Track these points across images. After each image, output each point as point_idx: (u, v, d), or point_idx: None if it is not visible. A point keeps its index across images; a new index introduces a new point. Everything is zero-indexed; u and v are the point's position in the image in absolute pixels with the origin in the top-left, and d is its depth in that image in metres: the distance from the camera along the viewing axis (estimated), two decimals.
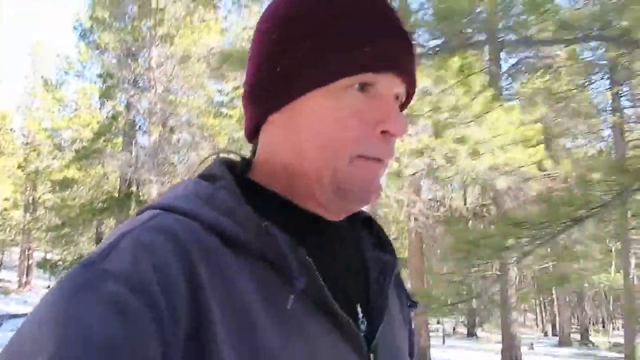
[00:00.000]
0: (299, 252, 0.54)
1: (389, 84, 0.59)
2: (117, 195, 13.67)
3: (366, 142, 0.58)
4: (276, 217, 0.56)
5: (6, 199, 23.30)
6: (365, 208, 0.66)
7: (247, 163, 0.66)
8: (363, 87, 0.58)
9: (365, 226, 0.72)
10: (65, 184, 14.69)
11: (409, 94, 0.64)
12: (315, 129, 0.58)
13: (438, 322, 23.15)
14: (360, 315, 0.61)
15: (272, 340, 0.50)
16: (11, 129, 23.98)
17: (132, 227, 0.50)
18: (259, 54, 0.62)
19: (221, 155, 0.67)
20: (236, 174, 0.61)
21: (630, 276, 13.71)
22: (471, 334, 25.34)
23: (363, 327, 0.61)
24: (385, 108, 0.58)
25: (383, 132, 0.58)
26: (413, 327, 0.77)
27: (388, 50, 0.58)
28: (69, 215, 13.73)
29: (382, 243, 0.71)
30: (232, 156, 0.68)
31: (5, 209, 23.64)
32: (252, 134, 0.66)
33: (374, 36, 0.57)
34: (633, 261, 14.35)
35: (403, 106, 0.65)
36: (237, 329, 0.49)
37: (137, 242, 0.48)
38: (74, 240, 14.31)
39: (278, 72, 0.59)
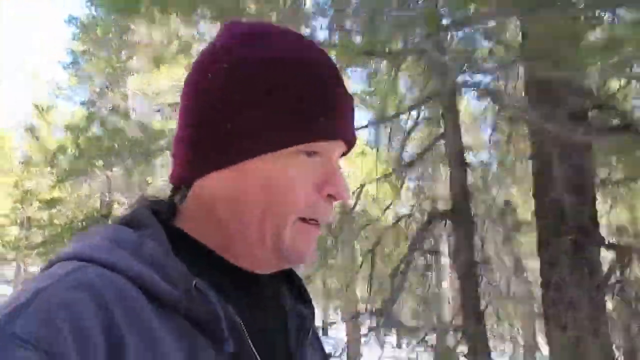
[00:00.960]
0: (229, 312, 0.52)
1: (335, 149, 0.62)
2: (95, 215, 14.39)
3: (312, 206, 0.60)
4: (204, 271, 0.55)
5: (5, 216, 24.16)
6: None
7: (172, 209, 0.64)
8: (310, 153, 0.60)
9: (285, 278, 0.72)
10: (52, 203, 15.45)
11: (346, 153, 0.66)
12: (261, 192, 0.58)
13: None
14: None
15: None
16: (11, 148, 25.00)
17: (49, 282, 0.46)
18: (209, 106, 0.60)
19: (144, 199, 0.64)
20: (161, 220, 0.59)
21: None
22: None
23: None
24: (330, 172, 0.61)
25: (328, 195, 0.61)
26: None
27: (337, 118, 0.61)
28: (52, 233, 14.44)
29: (302, 295, 0.72)
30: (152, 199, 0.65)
31: (2, 225, 24.48)
32: (182, 181, 0.64)
33: (325, 106, 0.59)
34: None
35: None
36: None
37: (54, 301, 0.44)
38: None
39: (230, 130, 0.58)
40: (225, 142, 0.59)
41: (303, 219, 0.60)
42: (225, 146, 0.59)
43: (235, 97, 0.58)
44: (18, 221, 24.26)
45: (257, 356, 0.54)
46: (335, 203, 0.63)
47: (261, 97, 0.58)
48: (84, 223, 15.19)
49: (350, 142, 0.64)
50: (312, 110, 0.59)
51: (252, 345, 0.54)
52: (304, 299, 0.71)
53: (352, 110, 0.64)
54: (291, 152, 0.59)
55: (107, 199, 13.60)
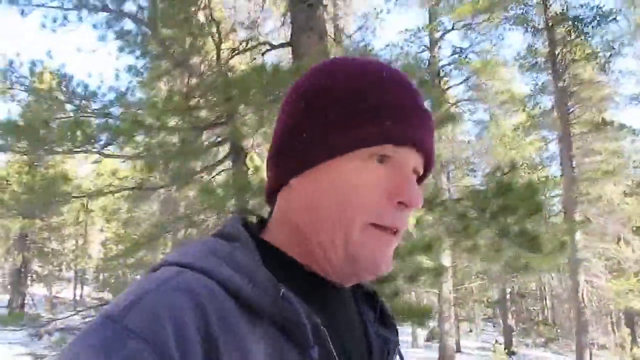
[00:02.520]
0: (314, 320, 0.54)
1: (408, 157, 0.61)
2: None
3: (381, 211, 0.59)
4: (291, 281, 0.56)
5: None
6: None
7: (261, 223, 0.68)
8: (382, 158, 0.60)
9: (368, 299, 0.73)
10: None
11: (427, 169, 0.66)
12: (332, 195, 0.59)
13: None
14: None
15: None
16: None
17: (155, 285, 0.50)
18: (287, 119, 0.64)
19: (237, 214, 0.67)
20: (251, 234, 0.62)
21: None
22: None
23: None
24: (402, 180, 0.60)
25: (399, 203, 0.60)
26: None
27: (409, 125, 0.60)
28: None
29: (384, 318, 0.72)
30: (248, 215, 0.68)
31: None
32: (271, 196, 0.67)
33: (396, 111, 0.60)
34: None
35: (420, 180, 0.66)
36: None
37: (160, 301, 0.48)
38: None
39: (303, 137, 0.60)
40: (298, 150, 0.61)
41: (375, 225, 0.59)
42: (298, 153, 0.61)
43: (307, 107, 0.61)
44: None
45: None
46: (409, 212, 0.62)
47: (331, 103, 0.60)
48: None
49: (425, 152, 0.63)
50: (382, 114, 0.59)
51: (335, 353, 0.55)
52: (386, 322, 0.72)
53: (428, 122, 0.63)
54: (362, 157, 0.59)
55: None
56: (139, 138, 4.63)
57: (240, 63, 6.06)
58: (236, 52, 5.55)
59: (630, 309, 16.38)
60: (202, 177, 5.18)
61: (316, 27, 5.19)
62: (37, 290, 23.32)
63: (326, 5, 5.20)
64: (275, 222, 0.65)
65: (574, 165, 16.00)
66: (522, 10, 16.42)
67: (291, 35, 5.20)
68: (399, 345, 0.70)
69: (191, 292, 0.50)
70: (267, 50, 5.81)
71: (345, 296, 0.66)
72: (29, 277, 21.79)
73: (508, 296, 24.04)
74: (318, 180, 0.60)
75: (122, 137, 4.42)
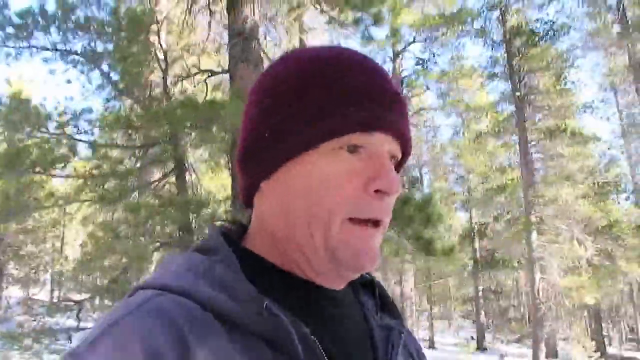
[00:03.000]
0: (303, 331, 0.51)
1: (380, 143, 0.57)
2: None
3: (357, 203, 0.55)
4: (276, 291, 0.54)
5: None
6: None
7: (243, 230, 0.65)
8: (353, 148, 0.56)
9: (368, 289, 0.70)
10: None
11: (405, 154, 0.62)
12: (303, 196, 0.55)
13: None
14: None
15: None
16: None
17: (124, 312, 0.48)
18: (248, 122, 0.61)
19: (217, 223, 0.65)
20: (231, 243, 0.59)
21: None
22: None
23: None
24: (376, 167, 0.56)
25: (376, 191, 0.56)
26: None
27: (376, 109, 0.56)
28: None
29: (387, 307, 0.69)
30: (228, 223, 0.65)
31: None
32: (247, 202, 0.64)
33: (360, 95, 0.56)
34: None
35: (399, 165, 0.63)
36: None
37: (128, 329, 0.46)
38: None
39: (265, 138, 0.57)
40: (262, 153, 0.58)
41: (355, 220, 0.56)
42: (263, 156, 0.58)
43: (267, 107, 0.58)
44: None
45: None
46: (390, 200, 0.58)
47: (291, 98, 0.57)
48: None
49: (398, 135, 0.59)
50: (345, 101, 0.55)
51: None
52: (389, 310, 0.68)
53: (399, 104, 0.59)
54: (329, 150, 0.56)
55: None
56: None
57: (190, 85, 6.72)
58: (182, 78, 6.22)
59: (586, 304, 17.28)
60: (150, 189, 5.80)
61: (251, 58, 5.87)
62: (13, 292, 23.48)
63: (258, 39, 5.89)
64: (254, 228, 0.63)
65: (534, 169, 16.92)
66: (481, 24, 17.36)
67: (229, 64, 5.90)
68: (403, 332, 0.66)
69: (165, 317, 0.47)
70: (209, 76, 6.49)
71: (338, 294, 0.62)
72: (5, 280, 21.93)
73: (481, 293, 24.83)
74: (287, 181, 0.57)
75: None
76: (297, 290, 0.59)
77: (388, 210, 0.58)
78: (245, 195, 0.64)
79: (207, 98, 5.71)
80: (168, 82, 5.98)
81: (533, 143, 17.25)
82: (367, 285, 0.70)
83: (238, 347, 0.49)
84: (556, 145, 17.15)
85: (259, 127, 0.59)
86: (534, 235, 16.20)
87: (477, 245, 22.72)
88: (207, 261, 0.55)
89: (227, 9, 5.97)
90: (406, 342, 0.68)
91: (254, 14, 5.76)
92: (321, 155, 0.56)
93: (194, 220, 5.23)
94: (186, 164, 5.61)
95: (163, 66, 5.92)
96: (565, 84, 17.17)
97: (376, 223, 0.57)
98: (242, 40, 5.94)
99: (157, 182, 5.57)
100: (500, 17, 17.11)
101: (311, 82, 0.57)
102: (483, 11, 18.24)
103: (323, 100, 0.56)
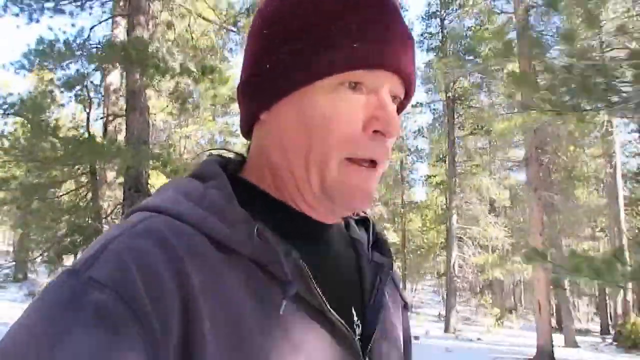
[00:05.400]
0: (292, 255, 0.52)
1: (383, 82, 0.56)
2: None
3: (355, 143, 0.55)
4: (269, 219, 0.55)
5: None
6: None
7: (241, 161, 0.65)
8: (354, 85, 0.55)
9: (361, 225, 0.71)
10: None
11: (408, 94, 0.61)
12: (303, 130, 0.55)
13: None
14: (355, 319, 0.60)
15: (264, 350, 0.49)
16: None
17: (119, 232, 0.49)
18: (251, 51, 0.60)
19: (214, 152, 0.65)
20: (229, 173, 0.59)
21: None
22: None
23: (358, 330, 0.59)
24: (376, 106, 0.55)
25: (374, 132, 0.55)
26: (408, 328, 0.75)
27: (380, 45, 0.55)
28: None
29: (378, 243, 0.70)
30: (225, 153, 0.65)
31: None
32: (247, 131, 0.64)
33: (364, 30, 0.55)
34: None
35: (401, 106, 0.62)
36: (227, 340, 0.47)
37: (124, 247, 0.46)
38: None
39: (267, 69, 0.57)
40: (263, 83, 0.58)
41: (352, 160, 0.55)
42: (264, 87, 0.58)
43: (268, 39, 0.58)
44: None
45: (323, 298, 0.53)
46: (389, 142, 0.57)
47: (293, 31, 0.56)
48: None
49: (402, 74, 0.57)
50: (348, 35, 0.54)
51: (317, 288, 0.53)
52: (380, 247, 0.69)
53: (404, 40, 0.57)
54: (331, 85, 0.55)
55: None
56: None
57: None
58: (101, 118, 9.41)
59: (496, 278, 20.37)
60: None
61: (138, 107, 9.06)
62: None
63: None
64: (252, 159, 0.63)
65: (456, 162, 19.72)
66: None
67: (126, 110, 9.10)
68: (392, 270, 0.68)
69: (158, 234, 0.48)
70: (115, 118, 9.70)
71: (330, 226, 0.63)
72: None
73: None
74: (287, 114, 0.57)
75: None
76: (289, 220, 0.59)
77: (386, 152, 0.57)
78: (244, 126, 0.64)
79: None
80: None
81: (458, 140, 20.03)
82: (361, 222, 0.71)
83: (231, 270, 0.50)
84: (476, 141, 19.91)
85: (259, 59, 0.58)
86: (454, 218, 19.11)
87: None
88: (202, 187, 0.55)
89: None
90: (393, 279, 0.70)
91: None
92: (322, 90, 0.55)
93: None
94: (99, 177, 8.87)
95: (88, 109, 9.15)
96: (485, 90, 19.69)
97: (373, 163, 0.57)
98: (132, 92, 9.07)
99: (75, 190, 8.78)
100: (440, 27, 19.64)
101: (313, 15, 0.56)
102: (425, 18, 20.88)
103: (325, 34, 0.55)
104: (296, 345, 0.52)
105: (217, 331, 0.47)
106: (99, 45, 8.06)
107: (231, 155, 0.66)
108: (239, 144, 20.20)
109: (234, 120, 20.30)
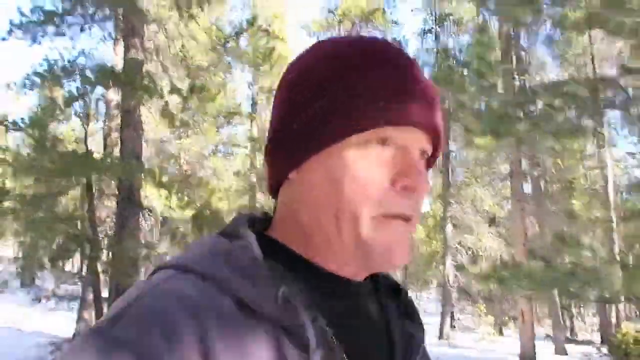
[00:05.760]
0: (318, 322, 0.51)
1: (411, 138, 0.57)
2: None
3: (386, 200, 0.55)
4: (296, 279, 0.55)
5: None
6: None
7: (268, 219, 0.65)
8: (383, 141, 0.56)
9: (392, 294, 0.69)
10: None
11: (436, 148, 0.62)
12: (332, 188, 0.56)
13: None
14: None
15: None
16: None
17: (144, 292, 0.50)
18: (277, 112, 0.62)
19: (243, 212, 0.65)
20: (257, 232, 0.60)
21: None
22: None
23: None
24: (404, 162, 0.56)
25: (403, 188, 0.56)
26: None
27: (406, 102, 0.56)
28: None
29: (409, 313, 0.68)
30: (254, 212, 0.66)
31: None
32: (274, 191, 0.65)
33: (390, 88, 0.56)
34: None
35: (430, 161, 0.63)
36: None
37: (147, 308, 0.47)
38: None
39: (295, 129, 0.58)
40: (291, 143, 0.59)
41: (386, 216, 0.56)
42: (291, 147, 0.59)
43: (297, 97, 0.59)
44: None
45: None
46: (418, 197, 0.57)
47: (321, 91, 0.57)
48: None
49: (430, 130, 0.59)
50: (374, 94, 0.55)
51: (343, 355, 0.52)
52: (411, 316, 0.68)
53: (430, 96, 0.58)
54: (359, 143, 0.56)
55: None
56: None
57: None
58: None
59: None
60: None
61: (132, 123, 9.65)
62: None
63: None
64: (279, 218, 0.63)
65: (450, 173, 20.16)
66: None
67: (121, 126, 9.74)
68: (424, 342, 0.67)
69: (183, 297, 0.48)
70: (113, 132, 10.44)
71: (361, 290, 0.62)
72: None
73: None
74: (316, 172, 0.57)
75: None
76: (318, 280, 0.58)
77: (417, 207, 0.57)
78: (273, 185, 0.64)
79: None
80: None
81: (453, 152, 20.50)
82: (391, 289, 0.70)
83: (253, 331, 0.50)
84: (470, 154, 20.32)
85: (287, 119, 0.59)
86: (449, 227, 19.50)
87: None
88: (229, 245, 0.56)
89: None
90: (424, 352, 0.68)
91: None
92: (350, 147, 0.56)
93: None
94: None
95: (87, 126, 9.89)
96: None
97: (406, 219, 0.57)
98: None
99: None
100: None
101: (341, 74, 0.57)
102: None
103: (353, 93, 0.56)
104: None
105: None
106: (93, 68, 8.71)
107: (258, 214, 0.66)
108: (241, 153, 20.88)
109: (236, 131, 20.88)
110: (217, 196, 10.49)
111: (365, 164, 0.56)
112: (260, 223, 0.64)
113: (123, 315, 0.47)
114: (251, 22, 9.92)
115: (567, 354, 16.20)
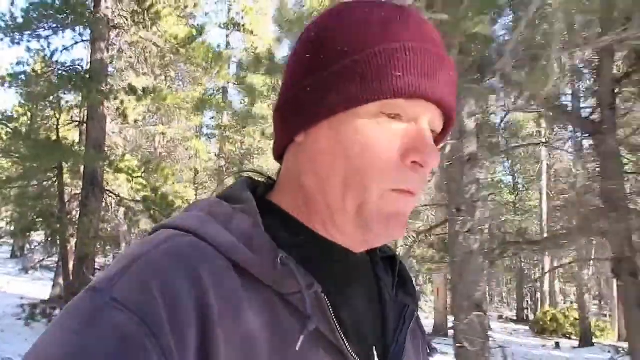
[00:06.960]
0: (314, 288, 0.52)
1: (423, 112, 0.56)
2: None
3: (396, 175, 0.55)
4: (295, 245, 0.55)
5: None
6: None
7: (271, 184, 0.65)
8: (394, 115, 0.55)
9: (388, 264, 0.70)
10: None
11: (447, 124, 0.61)
12: (341, 157, 0.55)
13: None
14: (376, 359, 0.58)
15: None
16: None
17: (144, 250, 0.49)
18: (291, 71, 0.61)
19: (245, 174, 0.64)
20: (258, 196, 0.59)
21: None
22: None
23: None
24: (415, 137, 0.55)
25: (413, 162, 0.55)
26: None
27: (421, 75, 0.55)
28: None
29: (404, 283, 0.68)
30: (256, 175, 0.65)
31: None
32: (280, 154, 0.64)
33: (406, 59, 0.54)
34: None
35: (440, 137, 0.62)
36: None
37: (147, 267, 0.47)
38: None
39: (307, 91, 0.57)
40: (302, 105, 0.58)
41: (394, 190, 0.55)
42: (302, 109, 0.58)
43: (313, 58, 0.58)
44: None
45: (344, 338, 0.53)
46: (426, 172, 0.56)
47: (339, 54, 0.56)
48: None
49: (442, 105, 0.57)
50: (389, 64, 0.54)
51: (336, 324, 0.53)
52: (406, 287, 0.68)
53: (446, 70, 0.57)
54: (370, 113, 0.55)
55: None
56: None
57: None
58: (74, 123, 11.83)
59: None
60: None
61: (96, 117, 11.19)
62: None
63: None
64: (283, 182, 0.62)
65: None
66: None
67: (87, 119, 11.30)
68: (417, 312, 0.67)
69: (182, 257, 0.48)
70: (83, 124, 11.99)
71: (357, 260, 0.62)
72: None
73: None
74: (325, 138, 0.56)
75: None
76: (316, 248, 0.58)
77: (422, 182, 0.57)
78: (278, 148, 0.64)
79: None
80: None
81: None
82: (387, 260, 0.70)
83: (250, 296, 0.50)
84: None
85: (300, 80, 0.58)
86: None
87: None
88: (230, 209, 0.56)
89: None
90: (418, 322, 0.69)
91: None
92: (362, 116, 0.55)
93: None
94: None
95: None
96: None
97: (410, 193, 0.57)
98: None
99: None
100: None
101: (361, 40, 0.55)
102: None
103: (367, 60, 0.54)
104: None
105: (231, 357, 0.46)
106: (62, 70, 10.32)
107: (261, 177, 0.66)
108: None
109: (206, 121, 22.15)
110: (172, 180, 12.10)
111: (377, 134, 0.55)
112: (262, 187, 0.64)
113: (121, 276, 0.46)
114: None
115: (491, 330, 17.96)
